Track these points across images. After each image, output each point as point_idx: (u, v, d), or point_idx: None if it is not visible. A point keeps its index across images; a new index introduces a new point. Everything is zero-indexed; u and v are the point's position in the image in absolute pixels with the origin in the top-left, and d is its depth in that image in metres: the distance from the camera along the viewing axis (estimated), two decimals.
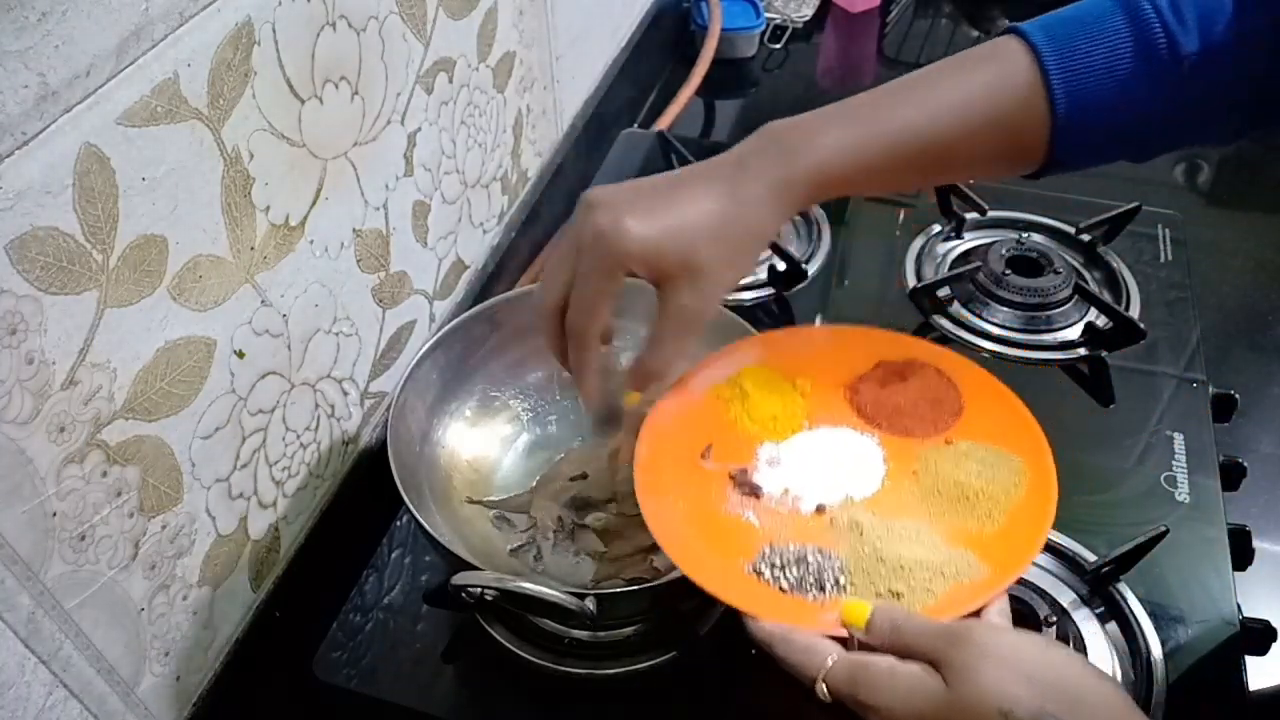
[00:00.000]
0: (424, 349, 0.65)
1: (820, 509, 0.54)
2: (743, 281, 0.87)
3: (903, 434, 0.58)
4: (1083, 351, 0.80)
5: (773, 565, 0.51)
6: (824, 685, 0.44)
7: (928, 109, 0.52)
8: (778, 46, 1.27)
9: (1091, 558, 0.64)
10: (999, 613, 0.47)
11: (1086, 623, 0.62)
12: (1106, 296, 0.83)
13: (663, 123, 1.07)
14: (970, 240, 0.91)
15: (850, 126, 0.52)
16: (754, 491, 0.55)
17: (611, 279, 0.49)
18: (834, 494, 0.55)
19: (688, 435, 0.57)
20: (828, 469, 0.56)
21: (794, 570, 0.50)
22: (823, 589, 0.49)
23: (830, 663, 0.44)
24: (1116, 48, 0.51)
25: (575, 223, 0.51)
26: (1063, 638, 0.60)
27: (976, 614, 0.47)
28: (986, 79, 0.52)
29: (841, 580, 0.50)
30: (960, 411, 0.58)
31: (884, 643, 0.45)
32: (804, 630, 0.46)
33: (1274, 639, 0.63)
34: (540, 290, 0.53)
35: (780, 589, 0.50)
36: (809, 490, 0.55)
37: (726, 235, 0.50)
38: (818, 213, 0.93)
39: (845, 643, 0.46)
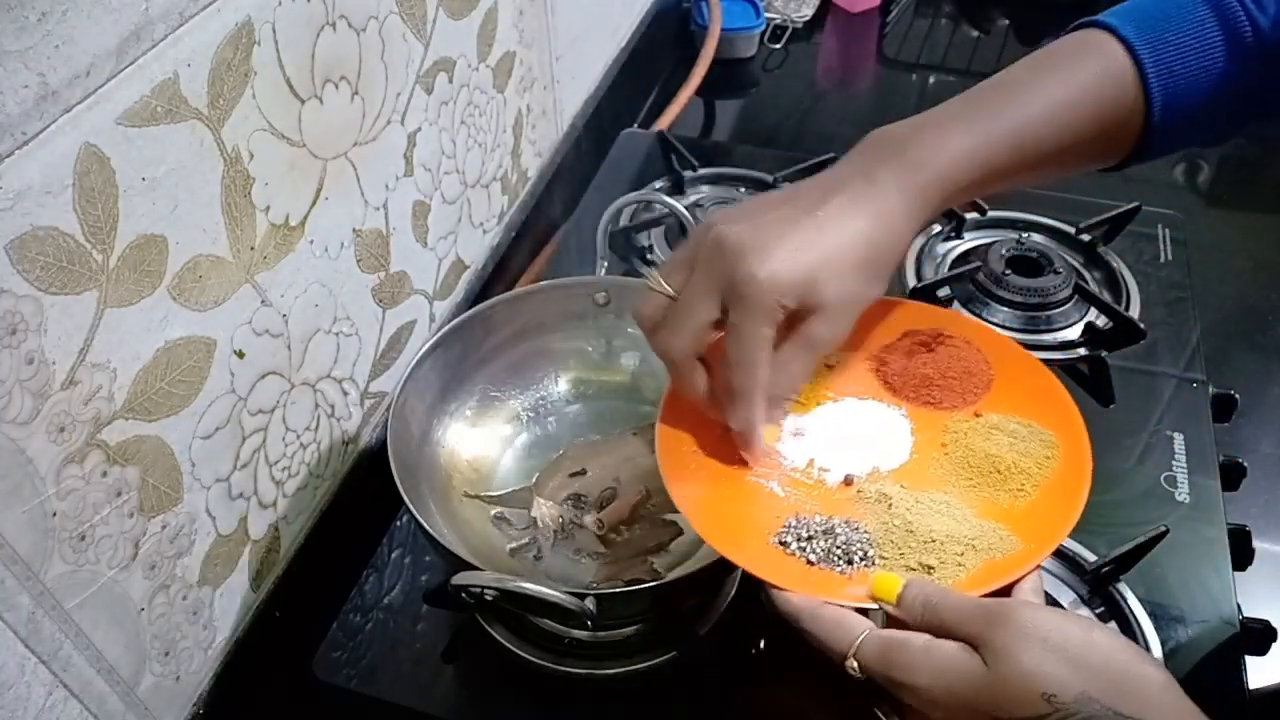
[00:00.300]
0: (424, 349, 0.65)
1: (848, 480, 0.53)
2: None
3: (930, 405, 0.57)
4: (1083, 351, 0.80)
5: (799, 537, 0.50)
6: (855, 661, 0.43)
7: (1038, 109, 0.51)
8: (778, 46, 1.27)
9: (1091, 558, 0.64)
10: (1032, 590, 0.46)
11: None
12: (1106, 296, 0.83)
13: (663, 123, 1.07)
14: (970, 240, 0.91)
15: (969, 130, 0.51)
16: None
17: (771, 328, 0.48)
18: (861, 465, 0.54)
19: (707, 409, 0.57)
20: (854, 440, 0.56)
21: (821, 542, 0.49)
22: (850, 562, 0.48)
23: (862, 639, 0.43)
24: (1204, 38, 0.50)
25: (709, 263, 0.48)
26: None
27: (1008, 589, 0.46)
28: (1088, 76, 0.51)
29: (870, 553, 0.49)
30: (989, 384, 0.57)
31: (916, 619, 0.44)
32: (833, 605, 0.45)
33: (1274, 639, 0.63)
34: (668, 335, 0.50)
35: (807, 562, 0.49)
36: (835, 462, 0.55)
37: (873, 258, 0.49)
38: None
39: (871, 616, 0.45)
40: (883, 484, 0.53)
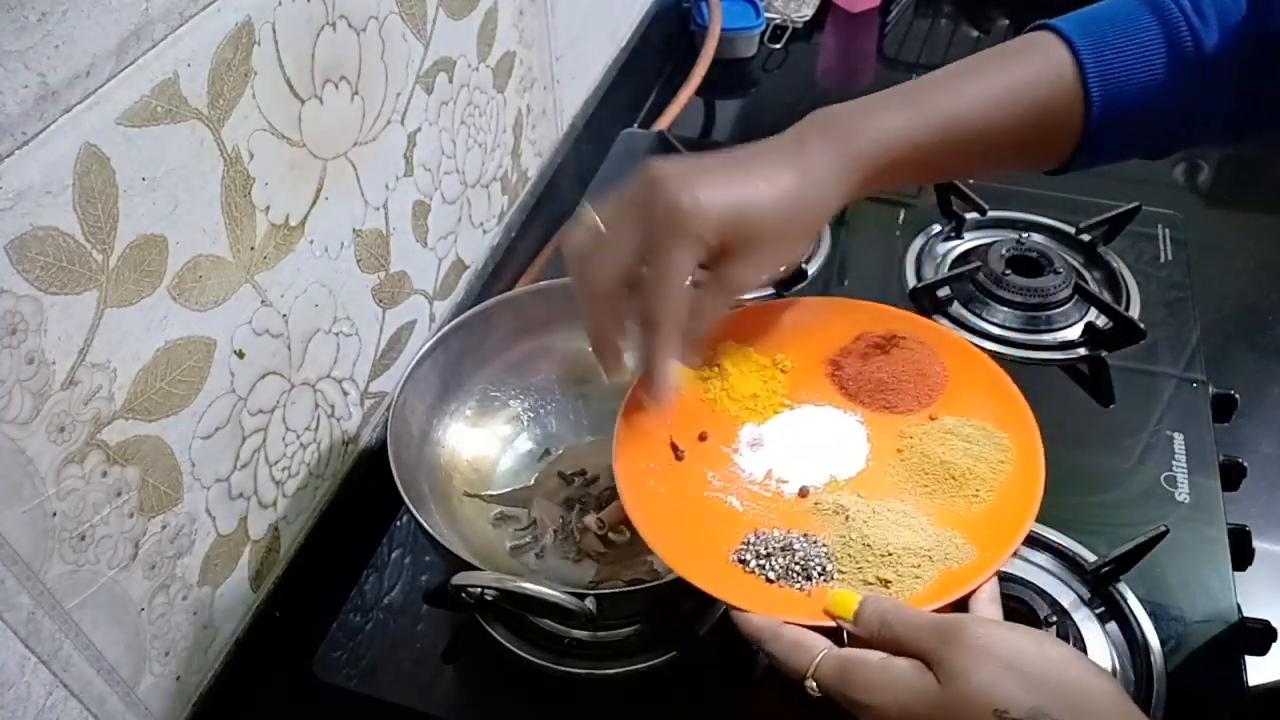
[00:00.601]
0: (424, 349, 0.65)
1: (804, 492, 0.54)
2: None
3: (886, 410, 0.57)
4: (1083, 351, 0.80)
5: (757, 554, 0.50)
6: (814, 681, 0.44)
7: (973, 98, 0.53)
8: (778, 46, 1.27)
9: (1091, 558, 0.64)
10: (990, 598, 0.47)
11: (1087, 623, 0.62)
12: (1106, 296, 0.83)
13: (663, 123, 1.07)
14: (970, 240, 0.91)
15: (902, 112, 0.52)
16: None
17: (693, 258, 0.48)
18: (818, 475, 0.55)
19: (666, 419, 0.56)
20: (811, 449, 0.56)
21: (779, 559, 0.49)
22: (809, 578, 0.49)
23: (820, 658, 0.44)
24: (1146, 45, 0.52)
25: (642, 198, 0.49)
26: (1062, 638, 0.60)
27: (965, 599, 0.46)
28: (1028, 72, 0.53)
29: (828, 568, 0.49)
30: (944, 384, 0.58)
31: (873, 635, 0.44)
32: (792, 625, 0.46)
33: (1274, 639, 0.63)
34: (591, 267, 0.50)
35: (766, 579, 0.49)
36: (793, 472, 0.55)
37: (794, 213, 0.50)
38: None
39: (835, 632, 0.46)
40: (840, 494, 0.53)
